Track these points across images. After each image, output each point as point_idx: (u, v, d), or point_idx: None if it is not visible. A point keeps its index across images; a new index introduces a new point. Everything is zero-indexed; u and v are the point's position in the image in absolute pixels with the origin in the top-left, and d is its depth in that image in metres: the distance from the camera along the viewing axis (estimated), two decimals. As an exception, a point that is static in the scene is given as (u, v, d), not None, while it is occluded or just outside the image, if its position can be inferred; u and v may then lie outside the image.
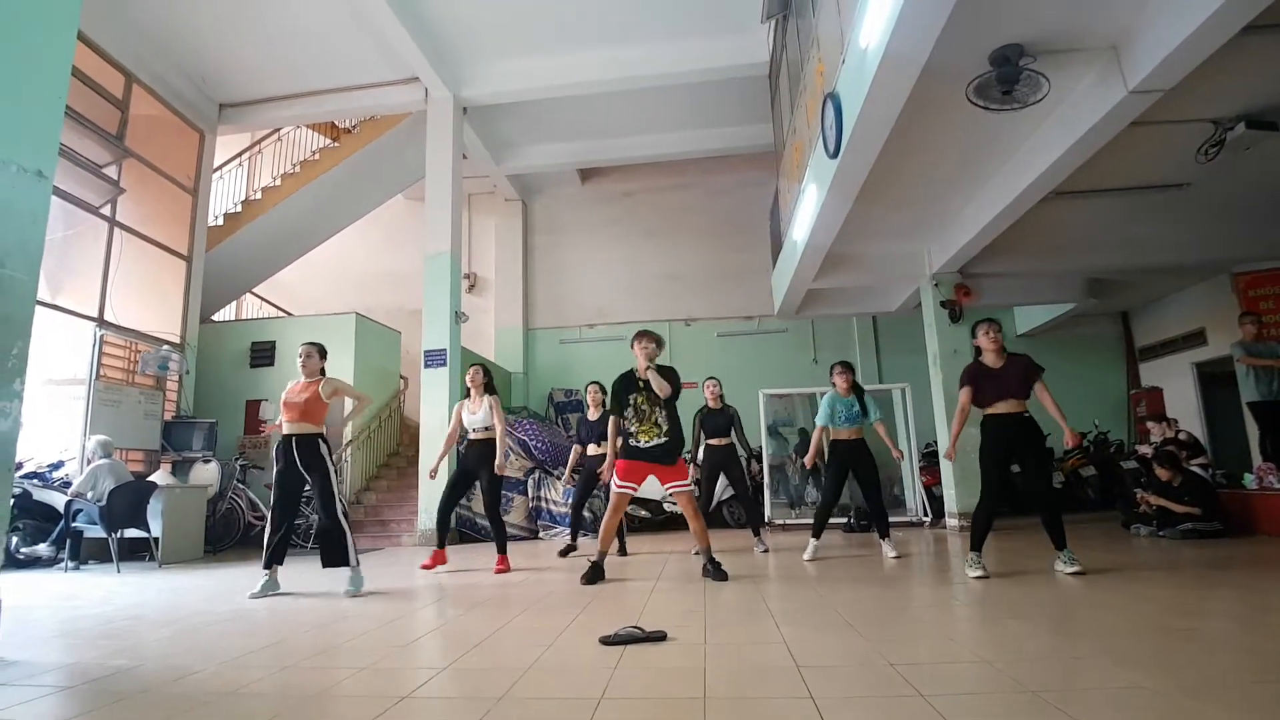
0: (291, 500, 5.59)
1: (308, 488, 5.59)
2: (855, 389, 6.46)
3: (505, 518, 9.21)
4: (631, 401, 5.46)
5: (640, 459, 5.45)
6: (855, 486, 6.68)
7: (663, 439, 5.41)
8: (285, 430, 5.53)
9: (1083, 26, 4.82)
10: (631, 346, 5.54)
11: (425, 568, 6.43)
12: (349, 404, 5.96)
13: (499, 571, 6.31)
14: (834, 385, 6.51)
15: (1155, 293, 11.73)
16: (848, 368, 6.52)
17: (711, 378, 7.62)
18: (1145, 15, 4.59)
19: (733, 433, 7.47)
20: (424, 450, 9.73)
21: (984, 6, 4.50)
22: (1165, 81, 4.76)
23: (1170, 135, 6.29)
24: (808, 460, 6.64)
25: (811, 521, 6.59)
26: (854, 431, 6.38)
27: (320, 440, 5.54)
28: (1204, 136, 6.27)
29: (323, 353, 5.79)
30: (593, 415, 7.50)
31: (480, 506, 9.09)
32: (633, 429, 5.46)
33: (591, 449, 7.45)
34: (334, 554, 5.44)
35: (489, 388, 6.70)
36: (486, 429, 6.54)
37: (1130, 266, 9.62)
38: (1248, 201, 7.88)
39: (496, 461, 6.39)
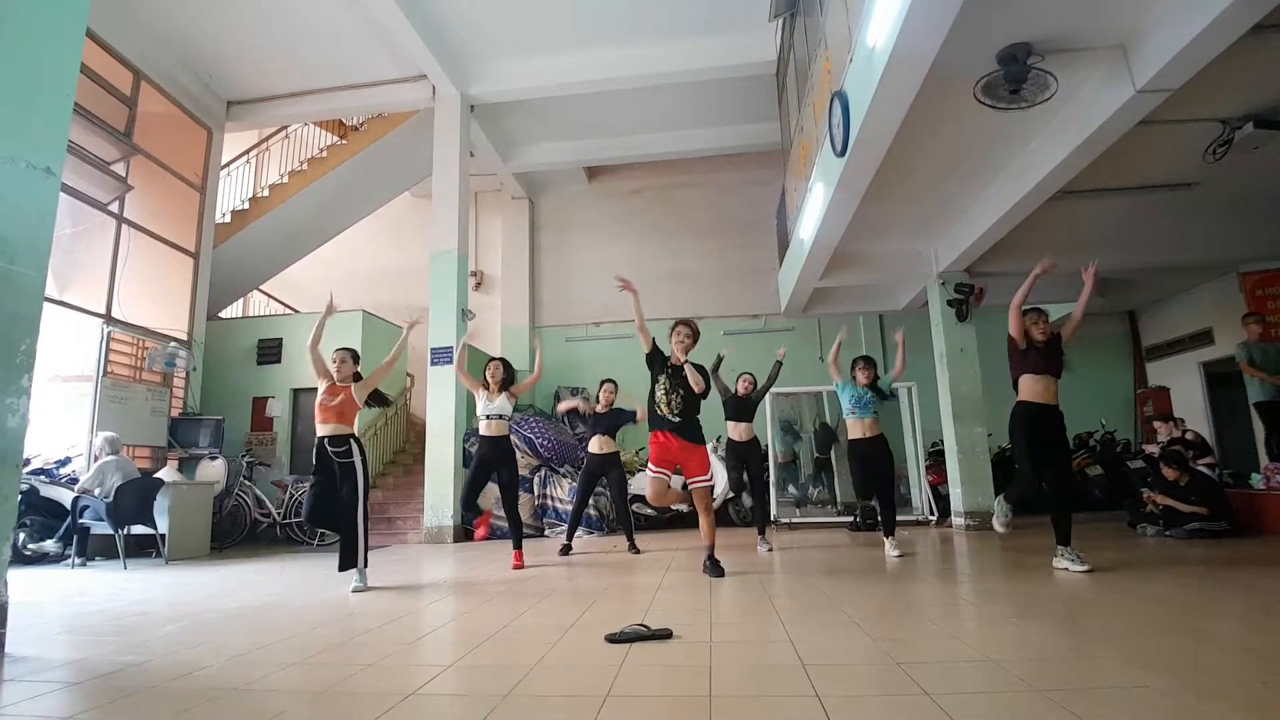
0: (327, 506, 5.55)
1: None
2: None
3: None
4: (660, 380, 5.57)
5: (666, 429, 5.48)
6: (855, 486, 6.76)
7: (676, 418, 5.48)
8: (319, 433, 5.54)
9: (1091, 26, 4.81)
10: (669, 335, 5.64)
11: (516, 567, 6.36)
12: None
13: (516, 567, 6.34)
14: (854, 379, 6.60)
15: (1162, 292, 11.69)
16: (869, 362, 6.63)
17: (746, 373, 7.61)
18: (1153, 15, 4.57)
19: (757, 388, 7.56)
20: (430, 447, 9.75)
21: (992, 6, 4.49)
22: (1173, 81, 4.75)
23: (1178, 134, 6.26)
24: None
25: (816, 521, 6.62)
26: (870, 426, 6.48)
27: (352, 440, 5.55)
28: (1212, 136, 6.24)
29: (356, 358, 5.81)
30: (601, 409, 7.54)
31: (486, 503, 9.10)
32: (656, 397, 5.58)
33: (594, 446, 7.45)
34: (348, 557, 5.45)
35: (508, 384, 6.75)
36: (501, 417, 6.59)
37: (1137, 266, 9.56)
38: (1255, 201, 7.85)
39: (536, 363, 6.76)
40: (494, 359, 6.92)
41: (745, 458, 7.50)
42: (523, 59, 10.59)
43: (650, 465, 5.53)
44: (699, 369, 5.53)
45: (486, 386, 6.71)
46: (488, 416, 6.58)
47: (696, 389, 5.44)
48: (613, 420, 7.45)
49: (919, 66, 4.70)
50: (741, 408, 7.44)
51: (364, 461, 5.56)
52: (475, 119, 11.41)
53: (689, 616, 3.92)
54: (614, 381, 7.71)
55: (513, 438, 10.14)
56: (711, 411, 7.43)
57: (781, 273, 11.41)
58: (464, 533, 9.52)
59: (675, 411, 5.48)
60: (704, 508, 5.55)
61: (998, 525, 5.12)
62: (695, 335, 5.62)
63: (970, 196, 7.77)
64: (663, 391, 5.53)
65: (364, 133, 12.41)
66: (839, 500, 10.06)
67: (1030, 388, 5.25)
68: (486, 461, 6.59)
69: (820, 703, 2.36)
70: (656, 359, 5.66)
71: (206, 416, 10.14)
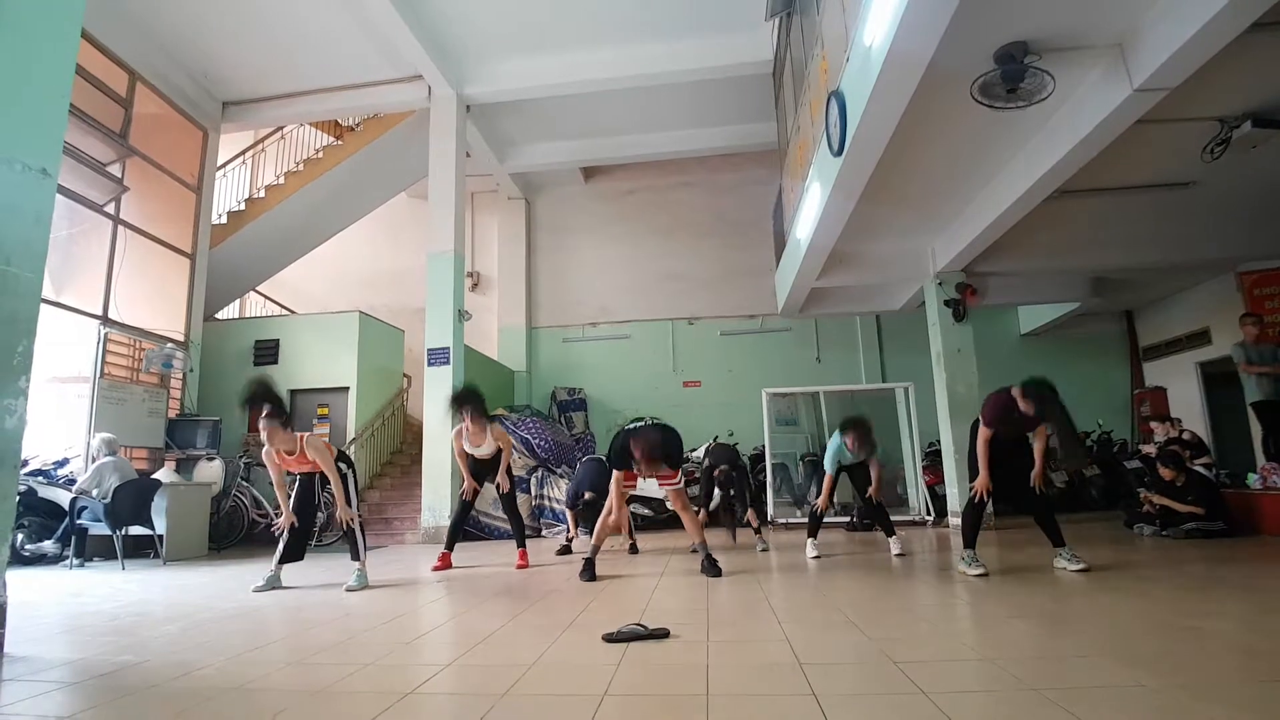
0: (307, 510, 5.74)
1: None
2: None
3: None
4: (635, 468, 5.48)
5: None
6: (854, 486, 6.77)
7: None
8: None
9: (1088, 24, 4.81)
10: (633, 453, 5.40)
11: (436, 569, 6.45)
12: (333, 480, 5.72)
13: (521, 567, 6.41)
14: (845, 443, 6.41)
15: (1160, 292, 11.70)
16: (866, 436, 6.32)
17: (722, 463, 7.41)
18: (1151, 13, 4.57)
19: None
20: (427, 449, 9.75)
21: (989, 4, 4.49)
22: (1170, 79, 4.75)
23: (1176, 133, 6.26)
24: (821, 504, 6.54)
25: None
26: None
27: (339, 462, 5.67)
28: (1210, 135, 6.24)
29: (284, 420, 5.37)
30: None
31: (484, 504, 9.13)
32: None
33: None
34: (352, 549, 5.66)
35: (486, 415, 6.68)
36: (490, 451, 6.70)
37: (1135, 265, 9.58)
38: (1253, 200, 7.86)
39: (498, 479, 6.58)
40: (463, 399, 6.60)
41: (720, 462, 7.52)
42: (519, 59, 10.60)
43: (619, 480, 5.60)
44: (665, 430, 5.63)
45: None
46: (478, 455, 6.68)
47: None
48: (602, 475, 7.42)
49: (916, 66, 4.71)
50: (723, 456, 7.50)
51: (351, 470, 5.75)
52: (471, 119, 11.41)
53: (686, 616, 3.92)
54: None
55: (510, 439, 10.21)
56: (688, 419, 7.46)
57: (778, 273, 11.43)
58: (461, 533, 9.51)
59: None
60: (682, 506, 5.63)
61: (970, 573, 5.01)
62: (659, 451, 5.42)
63: (967, 196, 7.77)
64: (639, 475, 5.53)
65: (360, 134, 12.40)
66: (835, 501, 10.07)
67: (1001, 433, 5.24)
68: (476, 476, 6.70)
69: (817, 701, 2.36)
70: (623, 454, 5.49)
71: (204, 418, 10.12)
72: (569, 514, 7.96)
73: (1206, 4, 4.06)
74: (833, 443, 6.53)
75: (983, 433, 5.27)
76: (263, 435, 5.29)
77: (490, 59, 10.64)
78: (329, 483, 5.51)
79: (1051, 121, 6.00)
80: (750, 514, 7.56)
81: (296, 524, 5.56)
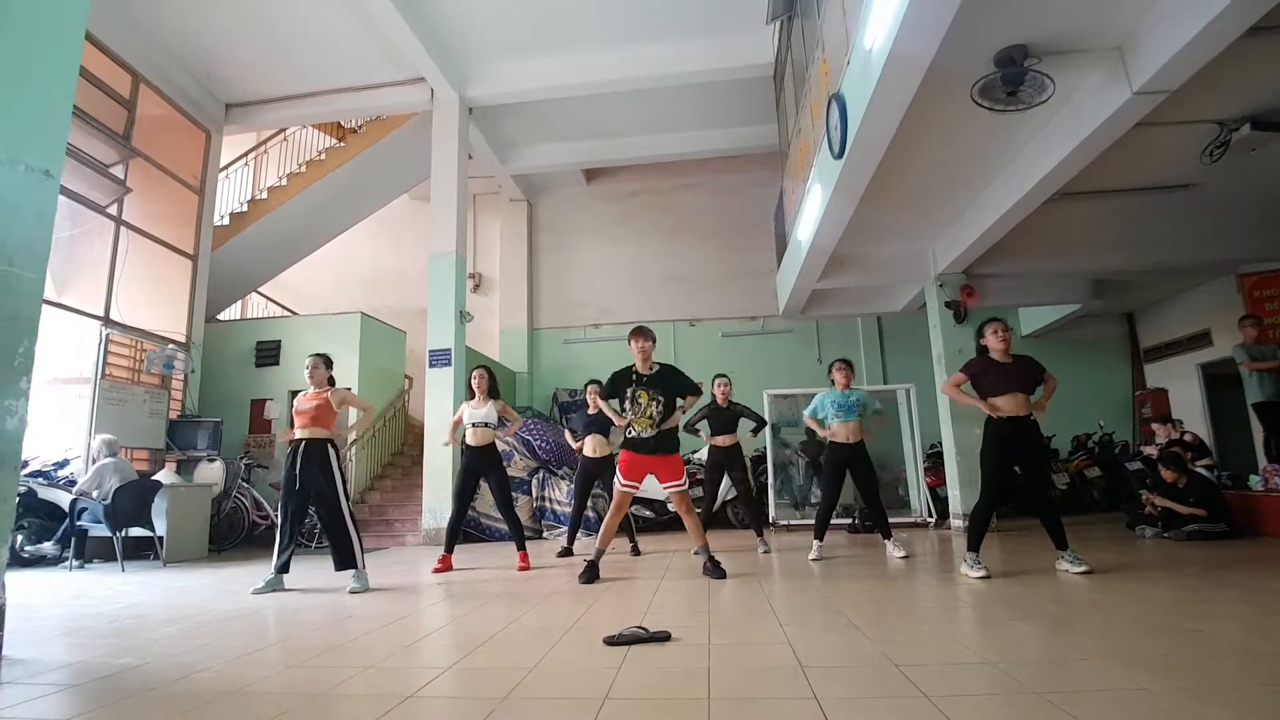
0: (300, 512, 5.71)
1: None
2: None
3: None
4: (629, 394, 5.53)
5: (638, 450, 5.53)
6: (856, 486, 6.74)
7: (653, 431, 5.47)
8: (297, 435, 5.63)
9: (1088, 28, 4.81)
10: (629, 343, 5.63)
11: (436, 571, 6.44)
12: (353, 414, 5.92)
13: (522, 569, 6.38)
14: (832, 382, 6.56)
15: (1160, 294, 11.69)
16: (847, 364, 6.61)
17: (721, 375, 7.62)
18: (1151, 16, 4.57)
19: (739, 425, 7.47)
20: (428, 450, 9.74)
21: (989, 7, 4.49)
22: (1170, 82, 4.75)
23: (1175, 136, 6.25)
24: (823, 433, 6.60)
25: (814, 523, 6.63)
26: (852, 432, 6.39)
27: (329, 446, 5.64)
28: (1209, 137, 6.23)
29: (328, 363, 5.91)
30: (591, 411, 7.49)
31: (484, 506, 9.14)
32: (628, 418, 5.54)
33: (589, 448, 7.43)
34: (343, 558, 5.55)
35: (494, 392, 6.75)
36: (488, 425, 6.61)
37: (1135, 267, 9.57)
38: (1253, 202, 7.85)
39: (496, 433, 6.59)
40: (478, 366, 6.95)
41: (725, 465, 7.52)
42: (521, 61, 10.61)
43: (620, 478, 5.59)
44: (665, 369, 5.57)
45: (471, 396, 6.75)
46: (474, 425, 6.62)
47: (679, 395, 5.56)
48: (605, 420, 7.39)
49: (916, 69, 4.71)
50: (723, 419, 7.44)
51: (339, 464, 5.69)
52: (473, 121, 11.42)
53: (687, 619, 3.92)
54: (599, 382, 7.58)
55: (510, 439, 10.19)
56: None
57: (779, 275, 11.43)
58: (461, 535, 9.49)
59: (654, 424, 5.46)
60: (685, 510, 5.61)
61: (972, 575, 5.03)
62: (654, 340, 5.65)
63: (968, 198, 7.76)
64: (634, 409, 5.50)
65: (362, 135, 12.42)
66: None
67: (996, 404, 5.21)
68: (472, 473, 6.65)
69: (819, 705, 2.36)
70: (619, 382, 5.64)
71: (205, 419, 10.12)
72: (567, 433, 7.93)
73: (1206, 7, 4.06)
74: (816, 398, 6.66)
75: (953, 377, 5.46)
76: (307, 374, 5.81)
77: (493, 60, 10.65)
78: (323, 486, 5.52)
79: (1052, 124, 6.00)
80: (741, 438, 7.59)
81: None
